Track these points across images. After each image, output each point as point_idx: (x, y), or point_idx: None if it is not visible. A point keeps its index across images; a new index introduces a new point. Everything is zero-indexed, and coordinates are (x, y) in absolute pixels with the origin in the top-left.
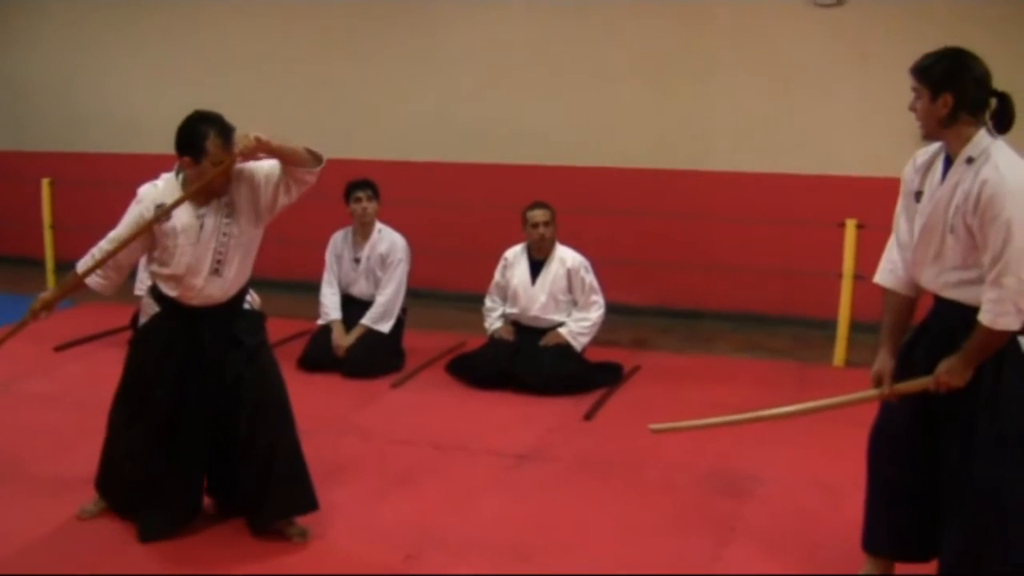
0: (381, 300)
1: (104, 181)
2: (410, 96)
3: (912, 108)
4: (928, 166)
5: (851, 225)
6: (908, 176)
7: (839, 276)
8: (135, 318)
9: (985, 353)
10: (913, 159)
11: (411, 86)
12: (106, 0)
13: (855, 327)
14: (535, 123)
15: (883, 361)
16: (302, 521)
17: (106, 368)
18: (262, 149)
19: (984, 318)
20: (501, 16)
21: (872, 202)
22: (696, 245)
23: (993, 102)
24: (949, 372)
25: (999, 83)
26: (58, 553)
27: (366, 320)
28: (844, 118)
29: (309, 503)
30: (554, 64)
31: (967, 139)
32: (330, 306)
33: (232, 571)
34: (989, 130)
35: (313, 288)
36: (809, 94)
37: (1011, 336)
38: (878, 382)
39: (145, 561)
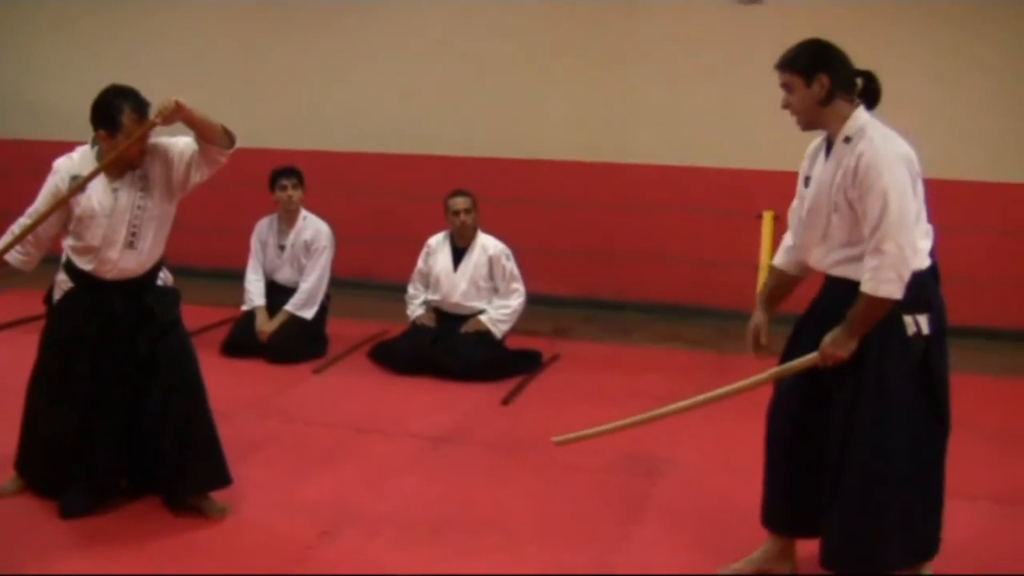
0: (305, 287)
1: (27, 168)
2: (335, 86)
3: (786, 105)
4: (816, 153)
5: (768, 217)
6: (803, 164)
7: (757, 267)
8: (49, 295)
9: (867, 323)
10: (808, 150)
11: (337, 76)
12: None
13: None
14: (459, 114)
15: (757, 316)
16: (219, 497)
17: (29, 353)
18: (182, 114)
19: (867, 287)
20: (425, 7)
21: (789, 195)
22: (618, 236)
23: (860, 81)
24: (833, 344)
25: (919, 78)
26: None
27: (290, 306)
28: (763, 114)
29: (223, 478)
30: (480, 56)
31: (844, 119)
32: (254, 292)
33: (147, 545)
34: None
35: (238, 276)
36: (729, 90)
37: (895, 312)
38: (755, 335)
39: (61, 536)
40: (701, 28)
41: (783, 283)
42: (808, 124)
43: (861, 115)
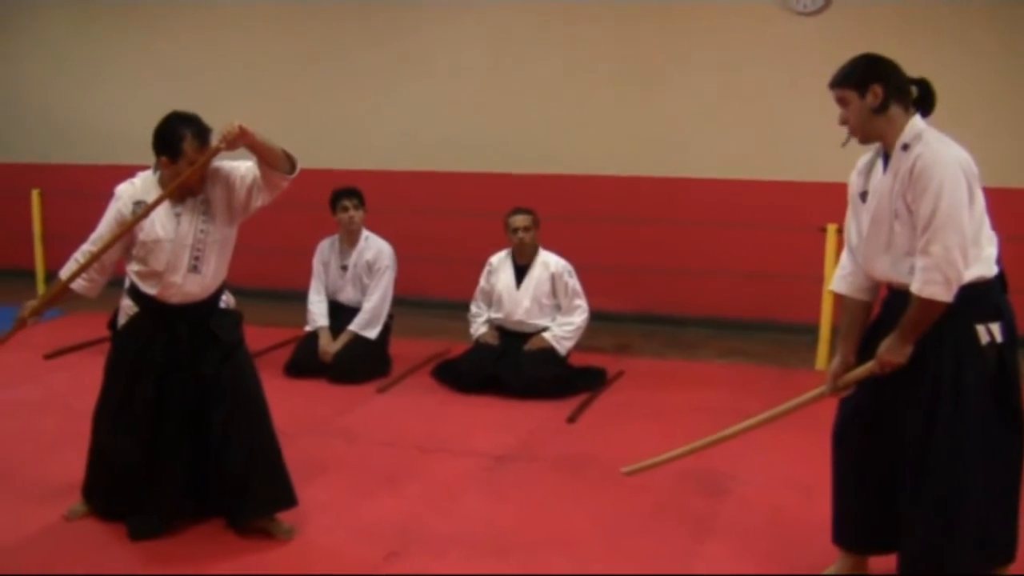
0: (368, 306)
1: (92, 192)
2: (394, 106)
3: (843, 121)
4: (870, 167)
5: (832, 230)
6: (853, 181)
7: (820, 281)
8: (113, 320)
9: (919, 327)
10: (856, 166)
11: (396, 96)
12: (93, 13)
13: (837, 331)
14: (518, 132)
15: (837, 360)
16: (285, 519)
17: (94, 375)
18: (245, 139)
19: (914, 287)
20: (483, 26)
21: None
22: (678, 252)
23: (914, 90)
24: (889, 351)
25: (980, 89)
26: (42, 551)
27: (353, 326)
28: (824, 125)
29: (288, 499)
30: (536, 75)
31: (900, 128)
32: (317, 313)
33: (213, 568)
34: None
35: (299, 297)
36: (789, 101)
37: (967, 323)
38: (834, 379)
39: (129, 559)
40: (758, 39)
41: (856, 312)
42: (865, 136)
43: (917, 122)
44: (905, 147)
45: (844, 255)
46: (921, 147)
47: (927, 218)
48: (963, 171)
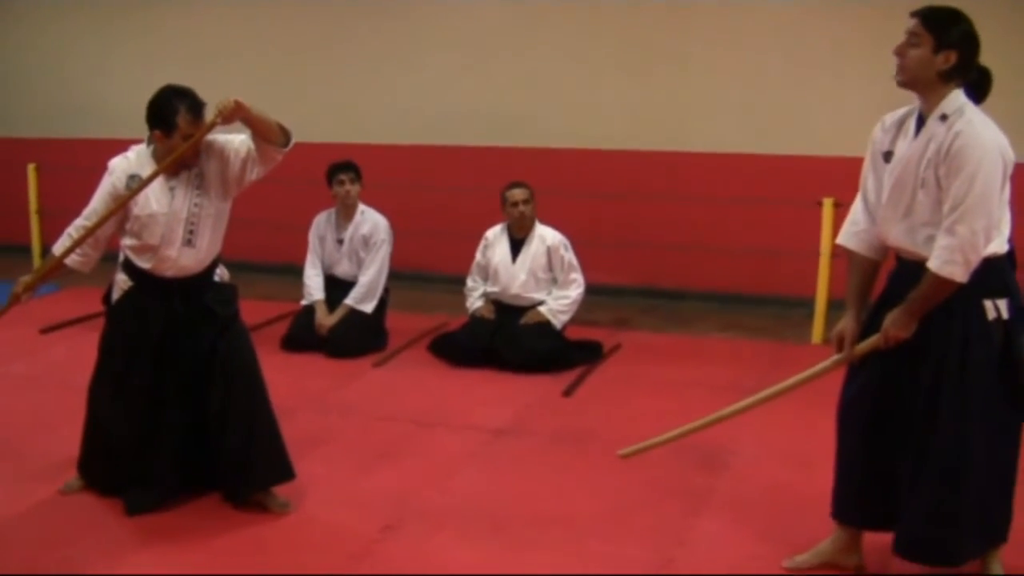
0: (364, 280)
1: (88, 167)
2: (392, 80)
3: (899, 52)
4: (899, 126)
5: (828, 204)
6: (877, 137)
7: (817, 255)
8: (107, 294)
9: (930, 303)
10: (881, 121)
11: (393, 70)
12: None
13: (833, 305)
14: (515, 106)
15: (846, 322)
16: (282, 492)
17: (90, 350)
18: (241, 113)
19: (932, 263)
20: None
21: (848, 181)
22: (677, 226)
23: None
24: (894, 325)
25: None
26: (38, 526)
27: (349, 300)
28: (820, 99)
29: (286, 473)
30: (534, 47)
31: (943, 97)
32: (313, 287)
33: (212, 541)
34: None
35: (296, 271)
36: (786, 76)
37: (975, 298)
38: (839, 343)
39: (126, 533)
40: (755, 15)
41: (866, 271)
42: (911, 83)
43: (960, 96)
44: (944, 117)
45: (857, 208)
46: (962, 124)
47: (958, 198)
48: (1001, 156)
